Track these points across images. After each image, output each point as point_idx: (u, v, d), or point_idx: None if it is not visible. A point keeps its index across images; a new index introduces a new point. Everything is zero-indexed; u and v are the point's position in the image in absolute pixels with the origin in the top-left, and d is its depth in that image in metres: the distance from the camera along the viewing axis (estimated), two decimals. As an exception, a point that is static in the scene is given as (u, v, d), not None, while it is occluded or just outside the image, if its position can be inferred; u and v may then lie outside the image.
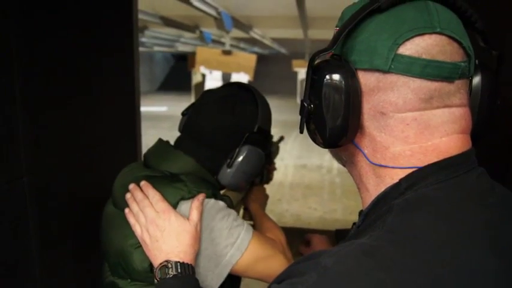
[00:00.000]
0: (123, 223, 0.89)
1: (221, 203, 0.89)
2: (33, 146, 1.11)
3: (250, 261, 0.87)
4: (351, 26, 0.51)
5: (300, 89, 15.70)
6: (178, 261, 0.78)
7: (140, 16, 1.82)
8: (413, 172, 0.51)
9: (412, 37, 0.49)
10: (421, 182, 0.51)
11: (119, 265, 0.90)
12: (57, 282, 1.26)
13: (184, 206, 0.86)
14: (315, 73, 0.52)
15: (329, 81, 0.50)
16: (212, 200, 0.88)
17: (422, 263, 0.44)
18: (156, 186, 0.88)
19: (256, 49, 14.90)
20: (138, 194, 0.86)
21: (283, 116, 11.48)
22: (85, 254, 1.42)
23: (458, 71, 0.50)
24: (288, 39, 11.83)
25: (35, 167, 1.12)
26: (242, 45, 13.11)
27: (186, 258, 0.79)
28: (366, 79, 0.52)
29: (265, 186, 1.32)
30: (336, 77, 0.50)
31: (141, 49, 1.82)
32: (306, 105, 0.54)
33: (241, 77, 9.67)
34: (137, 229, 0.84)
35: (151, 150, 1.00)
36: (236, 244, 0.85)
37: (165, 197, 0.86)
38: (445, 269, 0.44)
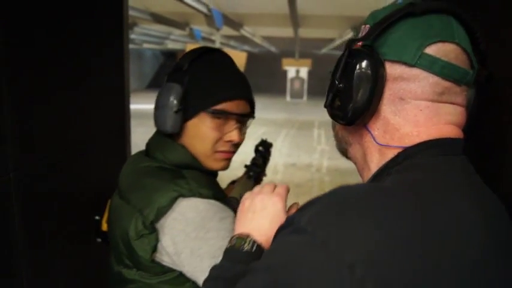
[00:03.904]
0: (126, 214, 0.90)
1: (220, 205, 0.90)
2: (20, 142, 1.10)
3: None
4: (387, 23, 0.60)
5: (289, 87, 15.73)
6: (256, 242, 0.75)
7: (130, 12, 1.80)
8: (409, 147, 0.60)
9: (437, 42, 0.59)
10: (416, 155, 0.60)
11: (123, 255, 0.92)
12: (45, 282, 1.25)
13: (183, 203, 0.87)
14: (351, 57, 0.60)
15: (362, 66, 0.59)
16: (212, 201, 0.89)
17: (416, 208, 0.52)
18: (158, 178, 0.90)
19: (246, 47, 14.90)
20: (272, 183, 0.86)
21: (273, 115, 11.50)
22: (74, 253, 1.40)
23: (466, 77, 0.61)
24: (278, 37, 11.85)
25: (22, 164, 1.11)
26: (232, 43, 13.09)
27: (265, 244, 0.77)
28: (392, 69, 0.60)
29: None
30: (369, 63, 0.59)
31: (130, 46, 1.80)
32: (336, 83, 0.61)
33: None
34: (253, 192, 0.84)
35: (149, 141, 1.04)
36: None
37: (165, 192, 0.87)
38: (436, 213, 0.52)
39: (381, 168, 0.62)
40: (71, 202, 1.38)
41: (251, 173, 1.27)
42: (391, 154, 0.62)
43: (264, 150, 1.35)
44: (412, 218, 0.51)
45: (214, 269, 0.73)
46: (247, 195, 0.83)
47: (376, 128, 0.63)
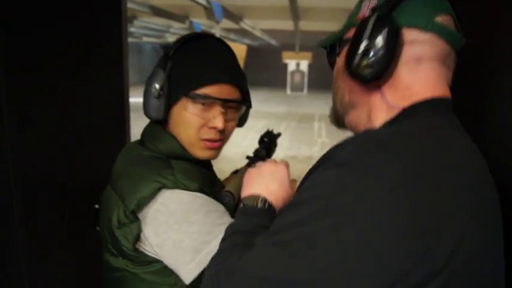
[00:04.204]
0: (112, 202, 0.91)
1: (207, 198, 0.88)
2: (20, 135, 1.10)
3: None
4: None
5: (290, 80, 15.68)
6: (267, 200, 0.78)
7: (129, 5, 1.80)
8: (418, 103, 0.69)
9: (442, 13, 0.71)
10: (424, 110, 0.69)
11: (109, 243, 0.93)
12: (44, 271, 1.25)
13: (167, 194, 0.85)
14: (377, 24, 0.69)
15: (383, 31, 0.68)
16: (198, 194, 0.87)
17: (434, 146, 0.61)
18: (143, 167, 0.89)
19: (246, 40, 14.83)
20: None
21: (273, 108, 11.47)
22: (73, 243, 1.41)
23: (460, 44, 0.72)
24: (278, 30, 11.79)
25: (21, 156, 1.11)
26: (232, 36, 13.03)
27: (275, 203, 0.79)
28: (409, 34, 0.70)
29: None
30: (389, 29, 0.68)
31: (129, 39, 1.80)
32: (360, 47, 0.69)
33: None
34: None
35: (144, 130, 1.03)
36: (214, 243, 0.80)
37: (148, 182, 0.86)
38: (448, 151, 0.61)
39: (389, 121, 0.70)
40: (71, 194, 1.39)
41: (252, 165, 1.25)
42: (396, 111, 0.70)
43: (268, 141, 1.31)
44: (432, 153, 0.60)
45: (230, 227, 0.75)
46: (251, 168, 0.86)
47: (388, 86, 0.72)
